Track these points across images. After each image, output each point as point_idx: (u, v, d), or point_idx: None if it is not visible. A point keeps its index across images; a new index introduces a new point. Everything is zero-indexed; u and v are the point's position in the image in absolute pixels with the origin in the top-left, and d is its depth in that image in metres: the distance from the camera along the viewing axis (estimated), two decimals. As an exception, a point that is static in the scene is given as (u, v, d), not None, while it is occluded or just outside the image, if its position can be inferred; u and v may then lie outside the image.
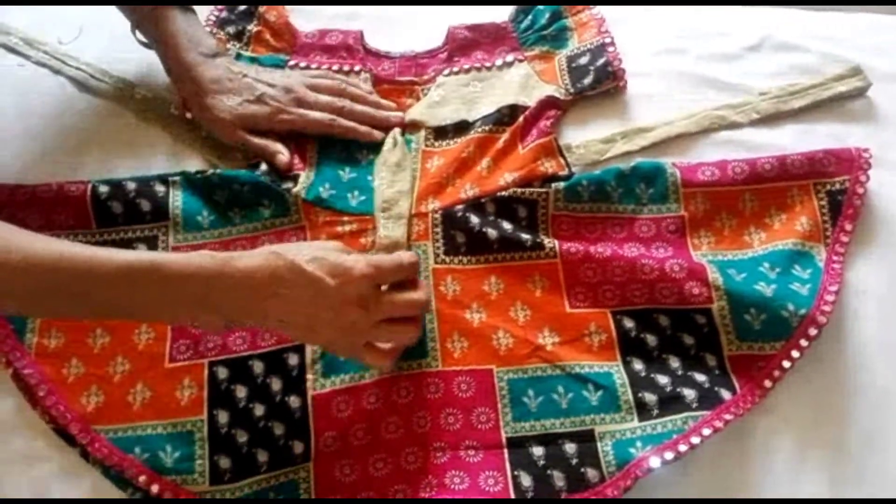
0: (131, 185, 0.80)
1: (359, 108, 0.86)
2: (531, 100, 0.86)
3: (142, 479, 0.67)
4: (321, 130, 0.85)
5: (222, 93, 0.83)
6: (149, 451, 0.68)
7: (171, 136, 0.87)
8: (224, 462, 0.68)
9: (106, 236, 0.78)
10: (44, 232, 0.77)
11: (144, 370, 0.72)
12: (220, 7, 0.96)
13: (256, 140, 0.83)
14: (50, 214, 0.78)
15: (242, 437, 0.69)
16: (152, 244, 0.78)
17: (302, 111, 0.84)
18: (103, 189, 0.79)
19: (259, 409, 0.70)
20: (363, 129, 0.85)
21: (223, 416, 0.70)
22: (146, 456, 0.68)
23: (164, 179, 0.80)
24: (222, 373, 0.72)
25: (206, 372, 0.72)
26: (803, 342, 0.68)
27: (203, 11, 0.95)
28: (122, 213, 0.78)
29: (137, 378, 0.72)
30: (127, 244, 0.78)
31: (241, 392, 0.71)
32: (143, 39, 0.87)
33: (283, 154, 0.82)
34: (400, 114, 0.87)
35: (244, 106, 0.83)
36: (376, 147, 0.85)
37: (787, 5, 0.99)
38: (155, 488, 0.66)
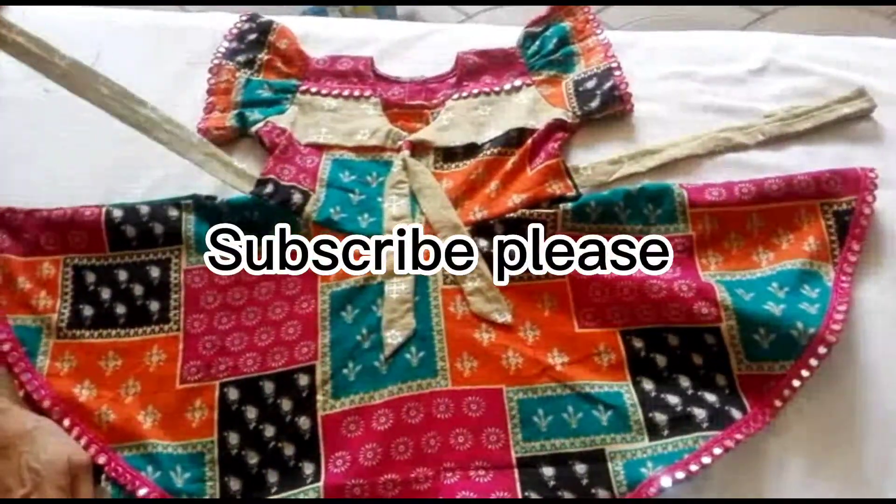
0: (145, 209, 0.81)
1: None
2: (539, 123, 0.87)
3: (153, 497, 0.67)
4: None
5: None
6: (160, 470, 0.68)
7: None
8: (234, 483, 0.68)
9: (119, 259, 0.79)
10: (59, 254, 0.78)
11: (155, 392, 0.73)
12: (229, 37, 0.98)
13: None
14: (64, 237, 0.79)
15: (253, 459, 0.69)
16: (165, 266, 0.79)
17: None
18: (117, 213, 0.80)
19: (269, 430, 0.70)
20: None
21: (234, 438, 0.70)
22: (157, 475, 0.68)
23: (176, 203, 0.81)
24: (233, 394, 0.72)
25: (217, 393, 0.72)
26: (813, 361, 0.68)
27: (219, 33, 0.98)
28: (135, 236, 0.80)
29: (148, 400, 0.72)
30: (140, 267, 0.79)
31: (251, 413, 0.71)
32: None
33: None
34: None
35: None
36: (386, 170, 0.86)
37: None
38: None
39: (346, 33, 1.03)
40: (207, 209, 0.81)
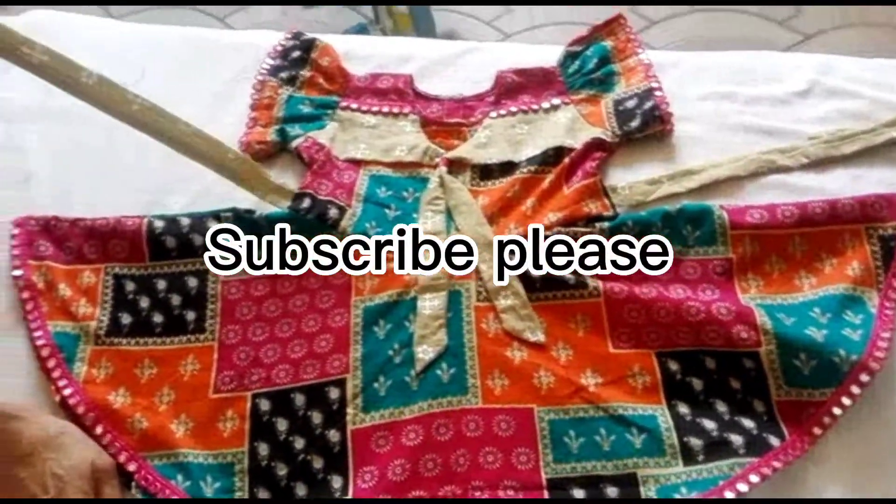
0: (185, 221, 0.82)
1: None
2: (577, 142, 0.87)
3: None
4: None
5: None
6: (190, 479, 0.69)
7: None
8: (263, 494, 0.69)
9: (158, 269, 0.81)
10: (100, 263, 0.80)
11: (189, 401, 0.73)
12: (273, 55, 1.00)
13: None
14: (106, 247, 0.81)
15: (282, 471, 0.69)
16: (203, 277, 0.80)
17: None
18: (158, 224, 0.81)
19: (299, 443, 0.71)
20: None
21: (264, 449, 0.70)
22: (187, 484, 0.68)
23: (216, 216, 0.83)
24: (264, 405, 0.72)
25: (249, 404, 0.73)
26: (855, 389, 0.66)
27: (263, 50, 0.99)
28: (175, 247, 0.81)
29: (181, 409, 0.73)
30: (179, 277, 0.80)
31: (281, 425, 0.71)
32: None
33: None
34: None
35: None
36: (422, 186, 0.86)
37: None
38: None
39: (387, 51, 1.04)
40: (246, 222, 0.82)
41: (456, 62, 1.02)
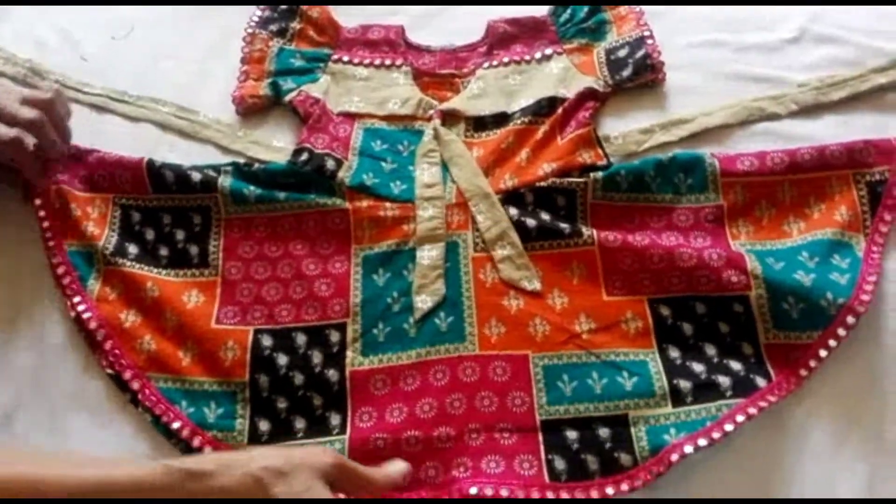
0: (185, 166, 0.83)
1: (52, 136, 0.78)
2: (570, 92, 0.87)
3: (185, 432, 0.70)
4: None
5: None
6: (194, 405, 0.71)
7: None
8: (263, 424, 0.71)
9: (163, 203, 0.81)
10: (109, 192, 0.82)
11: (192, 326, 0.75)
12: (262, 7, 0.98)
13: None
14: (113, 177, 0.82)
15: (282, 403, 0.71)
16: (206, 214, 0.81)
17: None
18: (157, 161, 0.82)
19: (299, 378, 0.72)
20: (33, 170, 0.79)
21: (264, 381, 0.72)
22: (191, 410, 0.71)
23: (216, 168, 0.83)
24: (266, 340, 0.74)
25: (250, 337, 0.74)
26: (841, 331, 0.68)
27: (246, 11, 0.98)
28: (174, 181, 0.81)
29: (187, 335, 0.74)
30: (183, 212, 0.81)
31: (282, 360, 0.73)
32: None
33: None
34: None
35: None
36: (417, 138, 0.86)
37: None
38: (197, 441, 0.70)
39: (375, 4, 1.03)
40: (244, 174, 0.83)
41: (445, 12, 1.01)
